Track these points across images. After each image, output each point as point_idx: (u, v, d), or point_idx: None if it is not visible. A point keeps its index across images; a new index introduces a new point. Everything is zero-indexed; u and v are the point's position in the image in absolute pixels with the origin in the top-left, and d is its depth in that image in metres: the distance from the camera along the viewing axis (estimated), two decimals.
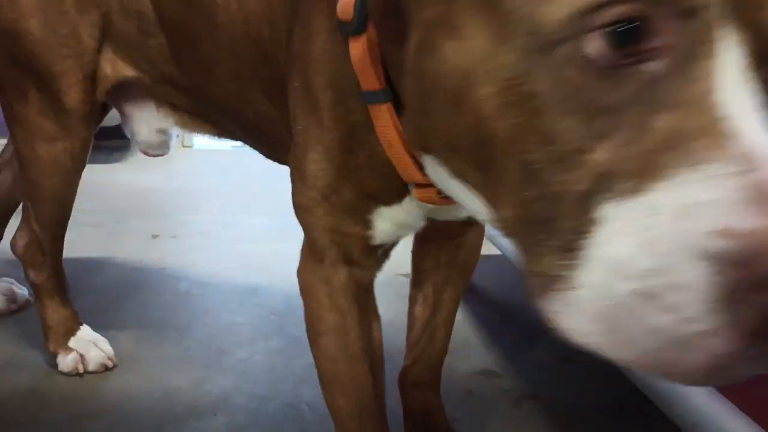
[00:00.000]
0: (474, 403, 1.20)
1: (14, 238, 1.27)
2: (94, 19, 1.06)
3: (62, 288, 1.28)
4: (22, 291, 1.49)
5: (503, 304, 1.53)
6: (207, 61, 0.97)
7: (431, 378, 1.05)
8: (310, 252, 0.81)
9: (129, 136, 1.23)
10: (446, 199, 0.67)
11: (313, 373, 1.27)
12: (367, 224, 0.76)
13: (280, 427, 1.12)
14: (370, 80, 0.65)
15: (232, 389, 1.22)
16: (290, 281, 1.65)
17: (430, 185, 0.67)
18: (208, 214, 2.07)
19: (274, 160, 1.07)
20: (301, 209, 0.79)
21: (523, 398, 1.22)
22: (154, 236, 1.91)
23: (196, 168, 2.56)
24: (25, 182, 1.19)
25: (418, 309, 1.03)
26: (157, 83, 1.10)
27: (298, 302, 1.55)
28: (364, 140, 0.70)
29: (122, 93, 1.16)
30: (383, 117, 0.66)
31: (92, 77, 1.10)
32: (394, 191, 0.73)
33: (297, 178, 0.78)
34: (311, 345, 0.85)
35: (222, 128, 1.12)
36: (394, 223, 0.76)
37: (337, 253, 0.79)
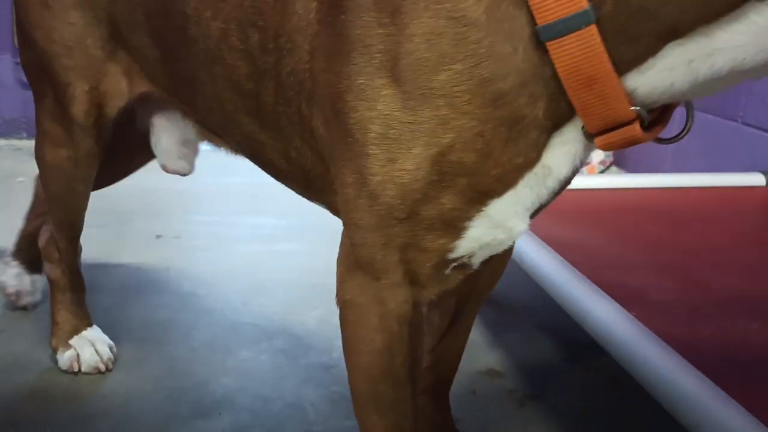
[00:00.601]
0: (478, 403, 1.20)
1: (41, 231, 1.29)
2: (103, 31, 1.04)
3: (76, 287, 1.30)
4: (34, 297, 1.46)
5: (507, 304, 1.53)
6: (189, 79, 0.92)
7: (443, 384, 1.03)
8: (361, 267, 0.72)
9: (153, 148, 1.21)
10: (650, 131, 0.60)
11: (317, 374, 1.28)
12: (459, 233, 0.67)
13: (285, 426, 1.12)
14: (563, 3, 0.55)
15: (236, 389, 1.22)
16: (294, 281, 1.65)
17: (632, 121, 0.59)
18: (212, 215, 2.07)
19: (290, 189, 0.97)
20: (362, 229, 0.69)
21: (526, 398, 1.22)
22: (158, 237, 1.92)
23: (200, 168, 2.56)
24: (41, 183, 1.22)
25: (436, 317, 0.97)
26: (168, 97, 1.06)
27: (302, 302, 1.55)
28: (503, 113, 0.60)
29: (148, 105, 1.16)
30: (583, 47, 0.56)
31: (100, 90, 1.08)
32: (517, 172, 0.63)
33: (362, 195, 0.67)
34: (349, 361, 0.78)
35: (233, 147, 1.04)
36: (492, 224, 0.67)
37: (404, 273, 0.70)
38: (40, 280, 1.46)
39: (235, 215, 2.08)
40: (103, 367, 1.25)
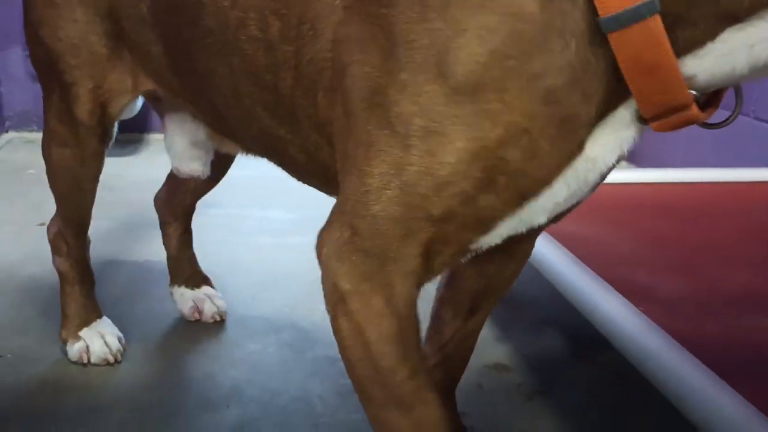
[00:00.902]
0: (485, 397, 1.20)
1: (50, 223, 1.29)
2: (106, 27, 1.03)
3: (85, 280, 1.30)
4: (216, 307, 1.43)
5: (515, 298, 1.53)
6: (201, 73, 0.91)
7: (452, 381, 1.02)
8: (366, 255, 0.69)
9: (167, 150, 1.20)
10: (705, 111, 0.61)
11: (325, 367, 1.28)
12: (488, 230, 0.67)
13: (292, 419, 1.13)
14: None
15: (244, 382, 1.23)
16: (303, 275, 1.65)
17: (690, 104, 0.59)
18: (221, 207, 2.07)
19: (309, 185, 0.95)
20: (379, 220, 0.67)
21: (534, 393, 1.22)
22: None
23: None
24: (48, 180, 1.22)
25: (448, 313, 0.95)
26: (172, 96, 1.04)
27: (310, 296, 1.55)
28: (554, 111, 0.60)
29: (160, 105, 1.15)
30: (647, 36, 0.56)
31: (104, 88, 1.07)
32: (557, 170, 0.63)
33: (390, 186, 0.65)
34: (354, 356, 0.73)
35: (245, 146, 1.02)
36: (520, 222, 0.67)
37: (420, 263, 0.69)
38: (207, 290, 1.45)
39: (245, 208, 2.08)
40: (111, 359, 1.26)
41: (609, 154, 0.64)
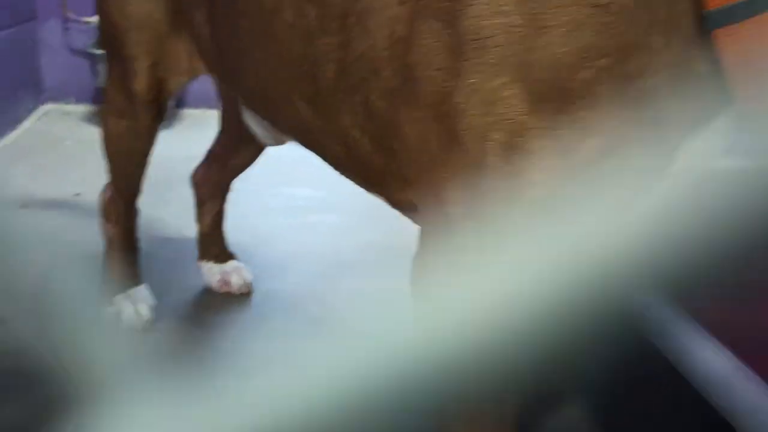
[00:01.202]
0: None
1: (103, 190, 1.32)
2: (169, 6, 1.05)
3: (129, 248, 1.34)
4: (243, 278, 1.46)
5: None
6: (239, 57, 0.90)
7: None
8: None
9: (247, 123, 1.21)
10: None
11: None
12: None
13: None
14: None
15: (267, 357, 1.24)
16: (329, 253, 1.65)
17: None
18: (251, 183, 2.08)
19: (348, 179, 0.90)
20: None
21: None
22: None
23: None
24: (103, 148, 1.25)
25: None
26: (219, 80, 1.05)
27: (337, 274, 1.56)
28: (649, 114, 0.53)
29: None
30: (762, 35, 0.48)
31: (163, 65, 1.10)
32: (649, 177, 0.57)
33: (473, 215, 0.58)
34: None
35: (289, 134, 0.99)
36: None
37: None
38: (234, 264, 1.48)
39: (273, 185, 2.10)
40: (140, 328, 1.28)
41: (701, 162, 0.58)
